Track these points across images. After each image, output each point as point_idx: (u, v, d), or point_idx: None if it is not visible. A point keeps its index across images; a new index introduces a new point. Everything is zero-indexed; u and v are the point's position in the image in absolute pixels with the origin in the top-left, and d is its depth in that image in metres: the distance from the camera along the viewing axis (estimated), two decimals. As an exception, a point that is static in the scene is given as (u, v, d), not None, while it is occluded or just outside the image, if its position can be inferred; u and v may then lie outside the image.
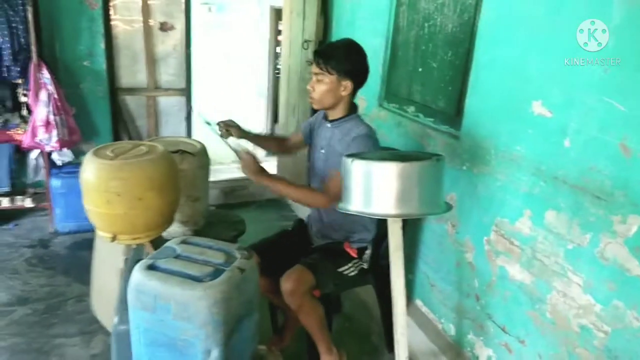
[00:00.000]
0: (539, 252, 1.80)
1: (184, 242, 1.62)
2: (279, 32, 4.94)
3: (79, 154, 3.40)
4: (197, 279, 1.42)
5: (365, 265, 2.15)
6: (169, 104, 4.01)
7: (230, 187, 4.05)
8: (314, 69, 2.01)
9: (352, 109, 2.07)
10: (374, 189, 1.49)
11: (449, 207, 1.49)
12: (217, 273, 1.46)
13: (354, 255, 2.11)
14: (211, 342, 1.40)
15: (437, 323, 2.43)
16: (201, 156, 2.37)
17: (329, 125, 2.11)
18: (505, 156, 1.93)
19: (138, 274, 1.44)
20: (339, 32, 3.28)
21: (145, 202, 1.83)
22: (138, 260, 1.96)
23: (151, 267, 1.47)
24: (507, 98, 1.91)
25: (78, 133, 3.34)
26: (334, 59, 1.96)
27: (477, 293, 2.13)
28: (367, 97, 2.94)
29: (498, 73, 1.96)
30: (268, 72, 5.24)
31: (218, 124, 2.19)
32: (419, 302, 2.56)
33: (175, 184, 1.96)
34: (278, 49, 5.06)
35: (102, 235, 1.94)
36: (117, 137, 3.71)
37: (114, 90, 3.66)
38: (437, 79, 2.37)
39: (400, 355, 1.64)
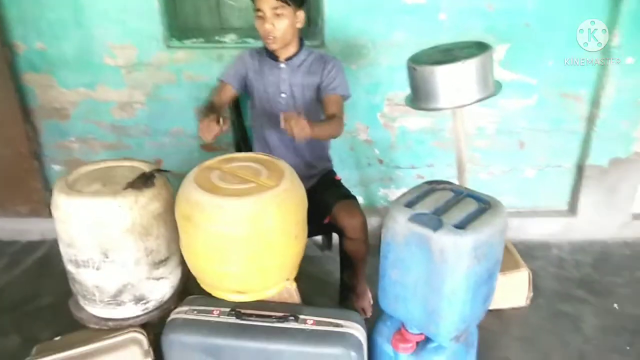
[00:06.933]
0: (434, 100, 2.55)
1: (407, 206, 1.50)
2: None
3: None
4: (483, 210, 1.50)
5: None
6: None
7: None
8: (270, 2, 1.80)
9: (301, 41, 2.00)
10: (459, 84, 1.82)
11: (501, 85, 1.96)
12: (478, 199, 1.55)
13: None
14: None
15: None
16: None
17: (283, 65, 1.97)
18: (385, 44, 2.44)
19: (469, 238, 1.36)
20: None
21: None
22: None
23: (459, 226, 1.40)
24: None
25: None
26: None
27: (380, 158, 2.70)
28: (137, 41, 2.47)
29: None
30: None
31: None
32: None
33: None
34: None
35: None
36: None
37: None
38: None
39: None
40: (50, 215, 2.79)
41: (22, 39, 2.48)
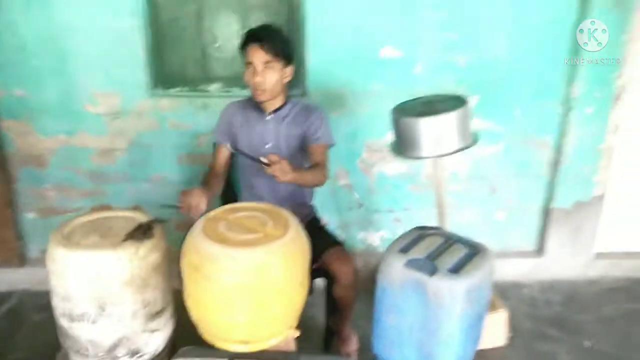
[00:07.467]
0: (410, 147, 2.67)
1: (402, 252, 1.56)
2: None
3: None
4: (473, 255, 1.58)
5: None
6: None
7: None
8: (261, 57, 1.87)
9: (287, 94, 2.08)
10: (441, 135, 1.92)
11: (478, 136, 2.07)
12: (467, 244, 1.63)
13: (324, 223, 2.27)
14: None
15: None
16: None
17: (269, 118, 2.04)
18: (365, 94, 2.56)
19: (464, 282, 1.44)
20: None
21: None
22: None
23: (453, 271, 1.47)
24: (355, 51, 2.48)
25: None
26: (278, 43, 1.90)
27: (360, 202, 2.78)
28: (121, 89, 2.49)
29: (338, 34, 2.45)
30: None
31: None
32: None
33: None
34: None
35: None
36: None
37: None
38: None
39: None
40: (20, 265, 2.73)
41: (2, 85, 2.46)
